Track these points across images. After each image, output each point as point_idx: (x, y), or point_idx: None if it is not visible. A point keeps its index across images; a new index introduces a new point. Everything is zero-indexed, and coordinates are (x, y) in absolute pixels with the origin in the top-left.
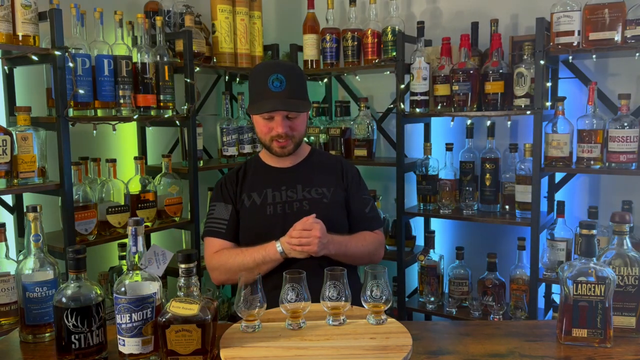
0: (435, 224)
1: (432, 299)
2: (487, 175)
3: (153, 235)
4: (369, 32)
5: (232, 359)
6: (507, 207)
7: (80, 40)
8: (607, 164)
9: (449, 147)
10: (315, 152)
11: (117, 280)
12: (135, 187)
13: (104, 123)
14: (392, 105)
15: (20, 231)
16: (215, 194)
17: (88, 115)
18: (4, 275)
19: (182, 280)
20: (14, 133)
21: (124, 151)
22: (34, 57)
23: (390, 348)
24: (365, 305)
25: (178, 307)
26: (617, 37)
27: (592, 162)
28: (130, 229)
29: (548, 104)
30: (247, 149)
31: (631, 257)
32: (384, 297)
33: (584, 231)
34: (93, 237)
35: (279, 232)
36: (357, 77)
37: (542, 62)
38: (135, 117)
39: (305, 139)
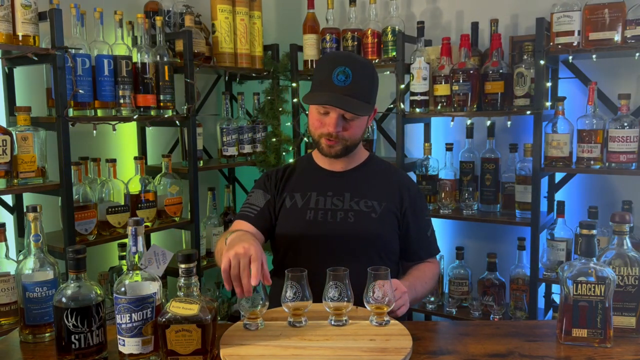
0: (435, 224)
1: (432, 299)
2: (487, 175)
3: (153, 235)
4: (369, 32)
5: (229, 356)
6: (507, 207)
7: (80, 40)
8: (607, 164)
9: (449, 147)
10: (373, 160)
11: (117, 280)
12: (135, 187)
13: (104, 123)
14: (392, 105)
15: (20, 231)
16: (258, 183)
17: (88, 115)
18: (4, 275)
19: (182, 280)
20: (14, 133)
21: (124, 151)
22: (34, 57)
23: (388, 350)
24: (367, 307)
25: (178, 307)
26: (617, 37)
27: (592, 162)
28: (130, 229)
29: (548, 104)
30: (247, 149)
31: (631, 257)
32: (386, 299)
33: (584, 231)
34: (93, 237)
35: (315, 241)
36: None
37: (542, 62)
38: (135, 117)
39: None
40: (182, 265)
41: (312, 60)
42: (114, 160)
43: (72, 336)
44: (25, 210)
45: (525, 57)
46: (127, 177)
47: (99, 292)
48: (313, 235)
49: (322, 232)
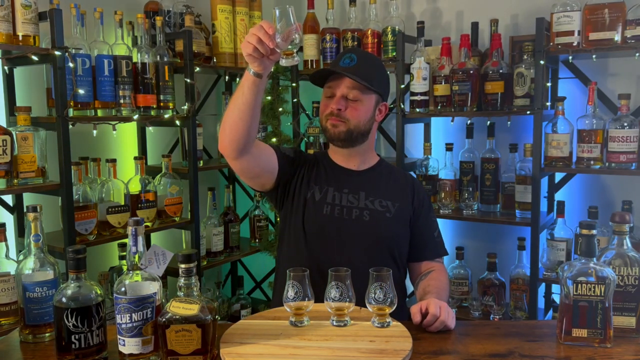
0: None
1: None
2: (487, 175)
3: (153, 235)
4: (369, 32)
5: (228, 354)
6: (507, 207)
7: (80, 40)
8: (607, 164)
9: (449, 147)
10: (383, 163)
11: (117, 280)
12: (135, 187)
13: (104, 123)
14: (392, 105)
15: (20, 231)
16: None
17: (88, 115)
18: (4, 275)
19: (182, 280)
20: (14, 133)
21: (124, 151)
22: (34, 57)
23: (387, 352)
24: (369, 308)
25: (178, 307)
26: (617, 37)
27: (592, 162)
28: (130, 229)
29: (548, 104)
30: None
31: (631, 257)
32: (388, 300)
33: (584, 231)
34: (93, 237)
35: (331, 236)
36: None
37: (542, 62)
38: (135, 117)
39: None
40: (182, 265)
41: (312, 60)
42: (114, 160)
43: (72, 336)
44: (25, 210)
45: (525, 57)
46: (127, 177)
47: (99, 292)
48: (330, 230)
49: (338, 227)
